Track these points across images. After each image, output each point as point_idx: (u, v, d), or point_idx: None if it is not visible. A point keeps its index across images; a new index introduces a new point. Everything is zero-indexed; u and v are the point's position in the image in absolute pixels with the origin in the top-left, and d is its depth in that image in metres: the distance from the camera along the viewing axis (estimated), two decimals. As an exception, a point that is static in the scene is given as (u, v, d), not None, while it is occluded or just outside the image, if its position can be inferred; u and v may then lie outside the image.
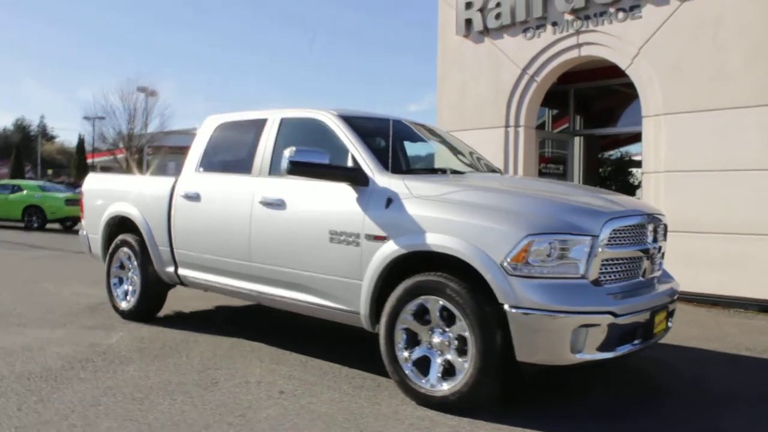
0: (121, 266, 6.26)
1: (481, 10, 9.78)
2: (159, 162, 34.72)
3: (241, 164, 5.27)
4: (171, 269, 5.70)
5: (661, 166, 7.83)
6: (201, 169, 5.50)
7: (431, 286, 3.83)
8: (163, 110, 60.72)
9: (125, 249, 6.13)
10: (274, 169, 4.92)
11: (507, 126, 9.62)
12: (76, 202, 18.33)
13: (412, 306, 3.93)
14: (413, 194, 4.04)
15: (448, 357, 3.83)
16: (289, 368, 4.59)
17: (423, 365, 3.93)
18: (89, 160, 46.72)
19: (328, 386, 4.21)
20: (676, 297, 4.34)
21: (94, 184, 6.79)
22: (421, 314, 3.94)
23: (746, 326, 6.55)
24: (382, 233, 4.06)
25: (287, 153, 4.24)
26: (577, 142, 11.15)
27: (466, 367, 3.70)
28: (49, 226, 20.14)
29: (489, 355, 3.61)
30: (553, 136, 11.12)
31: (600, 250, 3.62)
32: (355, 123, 4.72)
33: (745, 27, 7.15)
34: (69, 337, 5.35)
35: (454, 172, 4.91)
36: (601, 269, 3.67)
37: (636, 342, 3.79)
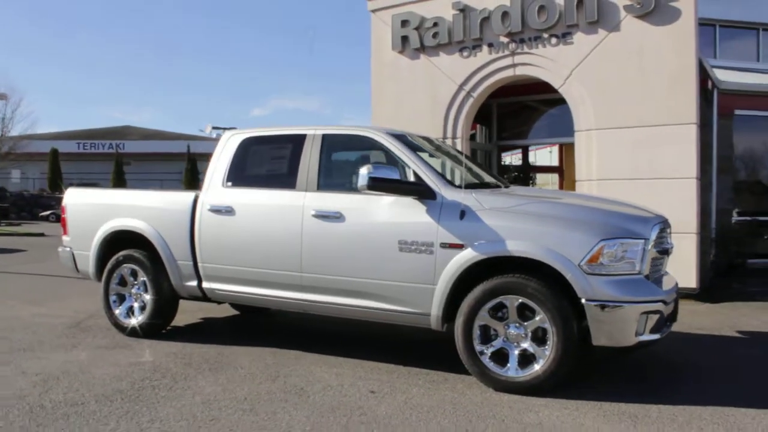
0: (121, 283, 6.06)
1: (417, 28, 10.42)
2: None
3: (281, 179, 5.44)
4: (193, 283, 5.67)
5: (593, 175, 8.98)
6: (229, 184, 5.55)
7: (511, 286, 4.38)
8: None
9: (130, 265, 5.95)
10: (323, 184, 5.16)
11: (444, 137, 10.33)
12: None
13: (490, 304, 4.45)
14: (484, 206, 4.55)
15: (525, 347, 4.39)
16: (352, 370, 4.87)
17: (497, 356, 4.47)
18: None
19: (408, 384, 4.58)
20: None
21: (79, 198, 6.46)
22: (496, 311, 4.47)
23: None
24: (458, 242, 4.52)
25: (365, 170, 4.56)
26: (495, 152, 12.21)
27: (546, 354, 4.29)
28: None
29: (569, 342, 4.23)
30: (480, 146, 12.06)
31: (649, 250, 4.39)
32: (406, 141, 5.12)
33: (663, 58, 8.46)
34: (97, 358, 5.15)
35: (493, 185, 5.45)
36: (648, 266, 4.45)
37: (669, 324, 4.61)
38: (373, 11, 11.02)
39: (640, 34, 8.59)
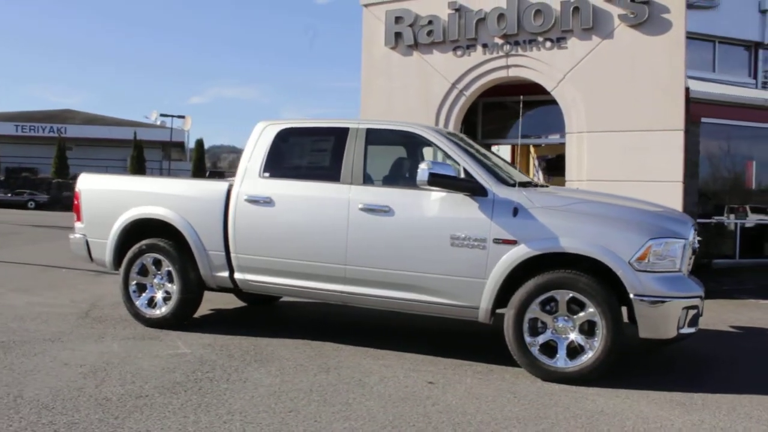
0: (142, 272, 5.92)
1: (411, 25, 10.53)
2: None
3: (323, 171, 5.46)
4: (224, 274, 5.61)
5: (583, 176, 9.35)
6: (266, 175, 5.51)
7: (563, 281, 4.58)
8: None
9: (153, 254, 5.82)
10: (369, 178, 5.21)
11: (435, 134, 10.51)
12: None
13: (541, 298, 4.64)
14: (536, 205, 4.72)
15: (573, 338, 4.60)
16: (397, 362, 4.96)
17: (544, 348, 4.66)
18: None
19: (458, 374, 4.71)
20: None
21: (94, 184, 6.26)
22: (544, 305, 4.67)
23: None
24: (511, 238, 4.68)
25: (425, 166, 4.66)
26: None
27: (595, 345, 4.51)
28: None
29: (617, 334, 4.47)
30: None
31: (688, 249, 4.69)
32: (452, 138, 5.24)
33: (653, 66, 8.90)
34: (133, 350, 5.03)
35: (532, 184, 5.62)
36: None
37: (700, 318, 4.92)
38: (366, 6, 11.05)
39: (633, 43, 9.00)
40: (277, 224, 5.37)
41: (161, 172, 40.20)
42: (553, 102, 10.29)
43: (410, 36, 10.55)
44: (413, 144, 5.36)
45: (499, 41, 9.96)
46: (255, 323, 6.35)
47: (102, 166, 36.52)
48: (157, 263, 5.86)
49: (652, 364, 5.22)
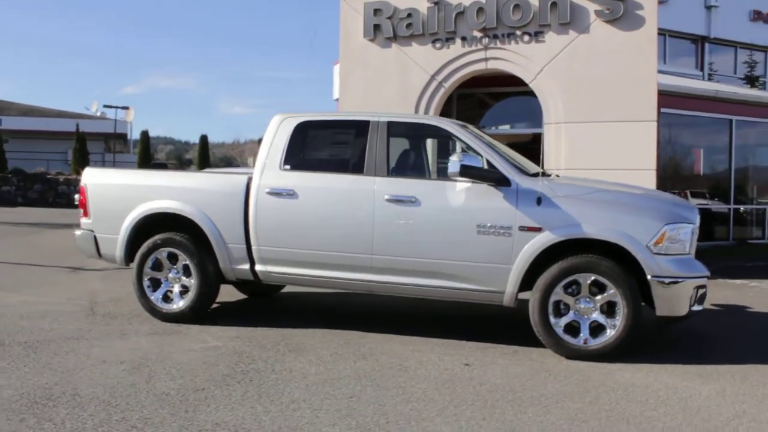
0: (156, 267, 5.88)
1: (390, 18, 10.67)
2: None
3: (345, 164, 5.57)
4: (244, 266, 5.66)
5: (561, 165, 9.75)
6: (287, 167, 5.57)
7: (586, 265, 4.87)
8: None
9: (168, 248, 5.79)
10: (393, 169, 5.36)
11: (415, 125, 10.71)
12: None
13: (565, 281, 4.92)
14: (558, 194, 4.99)
15: (595, 318, 4.91)
16: (427, 347, 5.13)
17: (568, 328, 4.96)
18: None
19: (488, 356, 4.94)
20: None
21: (102, 178, 6.16)
22: (567, 287, 4.95)
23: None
24: (536, 225, 4.93)
25: (456, 158, 4.86)
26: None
27: (617, 324, 4.83)
28: None
29: (637, 313, 4.80)
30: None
31: (695, 233, 5.06)
32: (471, 130, 5.44)
33: (627, 60, 9.35)
34: (163, 345, 5.03)
35: (546, 173, 5.87)
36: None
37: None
38: (343, -2, 11.10)
39: (608, 38, 9.43)
40: (300, 216, 5.45)
41: (104, 165, 38.90)
42: (525, 93, 10.69)
43: (389, 28, 10.68)
44: (434, 136, 5.53)
45: (478, 34, 10.23)
46: (269, 314, 6.40)
47: (43, 159, 35.10)
48: (172, 257, 5.83)
49: (657, 342, 5.59)
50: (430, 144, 5.83)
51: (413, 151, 5.78)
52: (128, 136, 44.28)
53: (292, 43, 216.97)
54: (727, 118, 13.36)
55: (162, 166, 51.17)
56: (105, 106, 36.92)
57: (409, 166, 5.64)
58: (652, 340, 5.63)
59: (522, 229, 4.96)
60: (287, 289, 7.52)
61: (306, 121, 5.73)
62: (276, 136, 5.69)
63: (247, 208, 5.58)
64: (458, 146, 5.44)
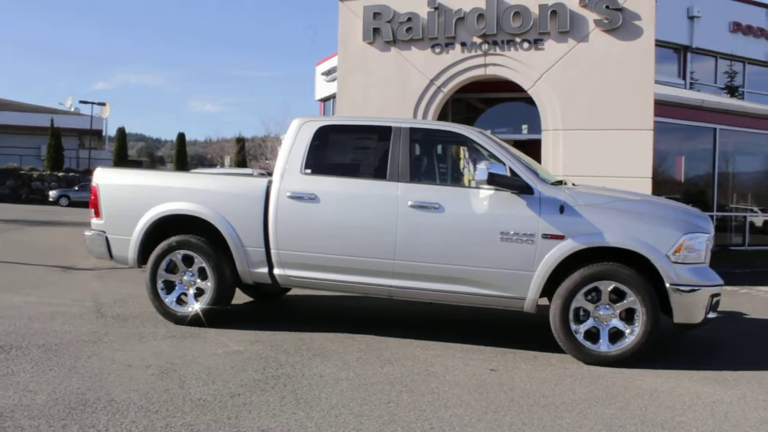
0: (170, 269, 5.83)
1: (390, 21, 10.71)
2: None
3: (367, 169, 5.59)
4: (262, 270, 5.64)
5: (559, 171, 9.88)
6: (308, 171, 5.56)
7: (607, 273, 4.97)
8: None
9: (184, 251, 5.74)
10: (416, 175, 5.40)
11: (412, 129, 10.77)
12: None
13: (585, 288, 5.02)
14: (580, 202, 5.09)
15: (614, 325, 5.01)
16: (448, 352, 5.18)
17: (587, 334, 5.05)
18: None
19: (510, 361, 5.01)
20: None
21: (115, 179, 6.07)
22: (587, 294, 5.05)
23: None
24: (559, 233, 5.02)
25: (484, 166, 4.92)
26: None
27: (636, 331, 4.94)
28: None
29: (656, 320, 4.92)
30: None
31: (710, 242, 5.21)
32: (494, 139, 5.51)
33: (625, 69, 9.55)
34: (183, 349, 4.98)
35: (563, 182, 5.95)
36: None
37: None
38: (342, 0, 11.11)
39: (607, 47, 9.61)
40: (322, 220, 5.45)
41: (78, 161, 38.20)
42: (520, 99, 10.84)
43: (389, 32, 10.72)
44: (456, 143, 5.59)
45: (478, 40, 10.33)
46: (282, 318, 6.39)
47: (15, 155, 34.34)
48: (187, 260, 5.79)
49: (667, 348, 5.73)
50: (450, 150, 5.88)
51: (435, 157, 5.83)
52: (104, 133, 43.54)
53: (262, 43, 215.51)
54: (711, 127, 13.72)
55: (137, 163, 50.51)
56: (81, 102, 36.28)
57: (431, 172, 5.69)
58: (663, 346, 5.77)
59: (545, 236, 5.04)
60: (293, 292, 7.52)
61: (326, 126, 5.74)
62: (296, 140, 5.68)
63: (267, 212, 5.57)
64: (482, 154, 5.49)
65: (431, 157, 5.81)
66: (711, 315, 5.11)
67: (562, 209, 5.06)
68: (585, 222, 5.01)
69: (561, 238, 5.02)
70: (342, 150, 5.85)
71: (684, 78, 18.01)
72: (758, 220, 15.54)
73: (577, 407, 4.01)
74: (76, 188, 33.40)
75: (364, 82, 11.00)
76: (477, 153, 5.44)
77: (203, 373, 4.41)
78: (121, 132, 37.20)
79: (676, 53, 17.88)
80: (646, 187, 9.45)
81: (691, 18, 17.84)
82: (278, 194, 5.55)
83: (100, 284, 8.16)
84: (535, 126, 11.01)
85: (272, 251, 5.58)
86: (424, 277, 5.30)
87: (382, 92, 10.87)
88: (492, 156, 5.33)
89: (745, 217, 14.81)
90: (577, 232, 5.01)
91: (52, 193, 32.29)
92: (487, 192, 5.18)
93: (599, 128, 9.67)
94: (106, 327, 5.62)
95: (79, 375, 4.24)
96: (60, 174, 34.10)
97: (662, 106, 13.11)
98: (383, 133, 5.55)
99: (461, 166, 5.53)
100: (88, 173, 35.70)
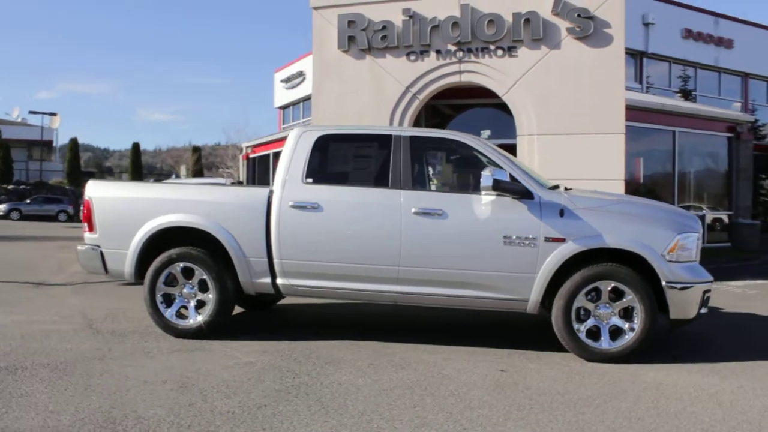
0: (169, 282, 5.77)
1: (365, 29, 10.81)
2: None
3: (369, 177, 5.66)
4: (265, 280, 5.64)
5: (535, 174, 10.17)
6: (309, 180, 5.60)
7: (607, 273, 5.17)
8: None
9: (184, 263, 5.69)
10: (417, 183, 5.50)
11: (389, 135, 10.88)
12: None
13: (586, 288, 5.21)
14: (578, 206, 5.28)
15: (614, 323, 5.22)
16: (456, 355, 5.29)
17: (589, 332, 5.24)
18: None
19: (518, 361, 5.15)
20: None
21: (109, 191, 5.97)
22: (587, 294, 5.24)
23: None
24: (560, 236, 5.19)
25: (488, 173, 5.07)
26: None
27: (635, 328, 5.15)
28: None
29: (653, 317, 5.14)
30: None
31: (699, 241, 5.47)
32: (492, 146, 5.66)
33: (596, 75, 9.89)
34: (195, 362, 4.94)
35: (557, 186, 6.14)
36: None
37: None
38: (316, 8, 11.17)
39: (579, 54, 9.94)
40: (326, 229, 5.49)
41: (28, 173, 36.94)
42: (492, 105, 11.10)
43: (363, 40, 10.82)
44: (454, 151, 5.72)
45: (453, 48, 10.53)
46: (282, 327, 6.39)
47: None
48: (187, 272, 5.74)
49: (658, 344, 5.99)
50: (450, 157, 6.01)
51: (434, 164, 5.94)
52: (54, 144, 42.25)
53: (209, 51, 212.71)
54: (670, 130, 14.28)
55: (89, 174, 49.09)
56: (30, 113, 35.14)
57: (432, 179, 5.79)
58: (655, 342, 6.02)
59: (547, 239, 5.20)
60: (283, 301, 7.50)
61: (326, 135, 5.79)
62: (296, 149, 5.71)
63: (269, 222, 5.58)
64: (482, 161, 5.62)
65: (432, 165, 5.93)
66: (703, 310, 5.37)
67: (562, 213, 5.24)
68: (584, 225, 5.20)
69: (562, 240, 5.20)
70: (343, 159, 5.91)
71: (641, 82, 18.70)
72: (708, 218, 16.24)
73: (593, 402, 4.17)
74: (28, 201, 32.28)
75: (340, 90, 11.06)
76: (477, 160, 5.57)
77: (222, 385, 4.39)
78: (74, 142, 36.08)
79: (633, 58, 18.54)
80: (619, 189, 9.79)
81: (647, 24, 18.56)
82: (280, 204, 5.57)
83: (80, 300, 7.97)
84: (502, 131, 11.29)
85: (275, 261, 5.59)
86: (429, 283, 5.40)
87: (358, 100, 10.95)
88: (491, 162, 5.47)
89: (703, 215, 15.46)
90: (578, 234, 5.19)
91: (2, 207, 31.15)
92: (488, 198, 5.31)
93: (573, 132, 9.98)
94: (106, 343, 5.52)
95: (97, 393, 4.17)
96: (10, 187, 32.93)
97: (626, 110, 13.64)
98: (383, 141, 5.63)
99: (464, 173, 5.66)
100: (41, 186, 34.59)
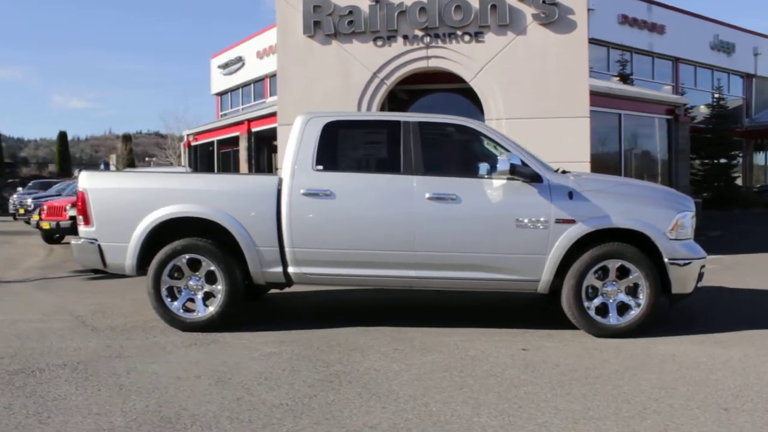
0: (174, 275, 5.60)
1: (330, 14, 10.69)
2: None
3: (380, 163, 5.65)
4: (276, 269, 5.56)
5: (504, 158, 10.41)
6: (320, 168, 5.54)
7: (615, 252, 5.41)
8: None
9: (190, 254, 5.53)
10: (429, 168, 5.54)
11: (357, 121, 10.85)
12: None
13: (596, 267, 5.43)
14: (585, 188, 5.48)
15: (621, 299, 5.48)
16: (473, 336, 5.40)
17: (597, 309, 5.49)
18: None
19: (534, 339, 5.33)
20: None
21: (105, 183, 5.70)
22: (596, 272, 5.47)
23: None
24: (570, 217, 5.38)
25: (505, 157, 5.20)
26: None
27: (641, 303, 5.43)
28: None
29: (658, 292, 5.44)
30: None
31: (694, 219, 5.81)
32: (501, 133, 5.77)
33: (561, 60, 10.19)
34: (218, 354, 4.83)
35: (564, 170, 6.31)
36: (691, 232, 5.86)
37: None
38: (280, -8, 10.92)
39: (544, 39, 10.21)
40: (340, 216, 5.46)
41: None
42: (458, 90, 11.26)
43: (330, 25, 10.70)
44: (463, 135, 5.80)
45: (420, 33, 10.58)
46: (287, 317, 6.34)
47: None
48: (193, 264, 5.58)
49: (657, 319, 6.32)
50: (459, 143, 6.07)
51: (445, 149, 6.00)
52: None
53: (133, 39, 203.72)
54: (616, 113, 14.91)
55: (9, 165, 46.22)
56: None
57: (443, 164, 5.85)
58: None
59: (558, 221, 5.38)
60: (272, 291, 7.39)
61: (334, 121, 5.73)
62: (303, 136, 5.63)
63: (280, 210, 5.50)
64: (490, 146, 5.72)
65: (442, 150, 5.98)
66: (699, 285, 5.71)
67: (570, 195, 5.43)
68: (593, 206, 5.41)
69: (572, 222, 5.39)
70: (352, 145, 5.88)
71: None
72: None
73: (623, 375, 4.38)
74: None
75: (306, 76, 10.91)
76: (485, 145, 5.68)
77: (259, 377, 4.32)
78: (-9, 131, 33.76)
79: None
80: (585, 170, 10.16)
81: (588, 10, 19.20)
82: (291, 192, 5.49)
83: (51, 296, 7.61)
84: (464, 116, 11.44)
85: (286, 249, 5.52)
86: (444, 267, 5.48)
87: (325, 85, 10.84)
88: (500, 147, 5.59)
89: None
90: (587, 216, 5.40)
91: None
92: (500, 182, 5.43)
93: (540, 116, 10.27)
94: (114, 341, 5.29)
95: (136, 392, 4.02)
96: None
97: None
98: (392, 127, 5.64)
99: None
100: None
